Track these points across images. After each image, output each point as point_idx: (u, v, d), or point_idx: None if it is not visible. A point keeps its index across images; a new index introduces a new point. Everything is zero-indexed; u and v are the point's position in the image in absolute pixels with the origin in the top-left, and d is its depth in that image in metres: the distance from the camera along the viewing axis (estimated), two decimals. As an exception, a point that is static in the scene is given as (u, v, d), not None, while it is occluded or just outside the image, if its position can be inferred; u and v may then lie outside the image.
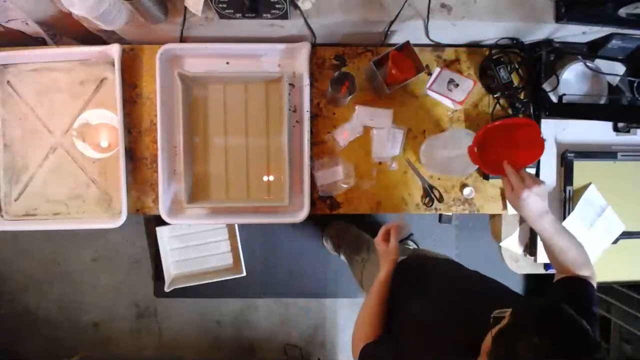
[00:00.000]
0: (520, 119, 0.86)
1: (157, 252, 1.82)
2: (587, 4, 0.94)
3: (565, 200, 1.11)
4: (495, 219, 1.24)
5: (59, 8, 0.96)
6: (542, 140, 0.81)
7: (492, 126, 0.82)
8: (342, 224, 1.85)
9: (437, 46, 1.11)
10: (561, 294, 0.79)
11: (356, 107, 1.10)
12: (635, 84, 1.09)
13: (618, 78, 1.09)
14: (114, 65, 1.04)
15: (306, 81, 1.06)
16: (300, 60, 1.08)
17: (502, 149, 0.83)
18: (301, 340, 2.08)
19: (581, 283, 0.78)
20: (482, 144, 0.84)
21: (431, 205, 1.12)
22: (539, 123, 1.10)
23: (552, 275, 1.16)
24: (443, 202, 1.12)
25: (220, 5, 0.90)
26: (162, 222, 1.50)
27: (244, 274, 1.81)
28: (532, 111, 1.10)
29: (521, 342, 0.53)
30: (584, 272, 0.80)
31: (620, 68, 1.09)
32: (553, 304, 0.58)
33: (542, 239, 0.82)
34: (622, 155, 1.12)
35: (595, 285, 0.79)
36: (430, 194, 1.09)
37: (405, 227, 0.98)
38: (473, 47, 1.13)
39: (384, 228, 0.99)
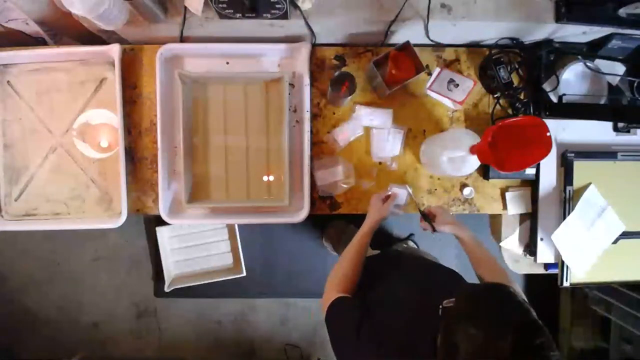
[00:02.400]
0: (530, 119, 0.86)
1: (157, 252, 1.81)
2: (587, 4, 0.94)
3: (565, 200, 1.11)
4: (495, 219, 1.24)
5: (59, 8, 0.96)
6: (550, 139, 0.81)
7: (504, 125, 0.82)
8: (342, 223, 1.85)
9: (437, 46, 1.11)
10: None
11: (356, 107, 1.10)
12: (635, 84, 1.09)
13: (618, 78, 1.09)
14: (114, 65, 1.04)
15: (306, 81, 1.06)
16: (300, 60, 1.08)
17: (510, 147, 0.83)
18: (301, 340, 2.08)
19: None
20: (491, 143, 0.84)
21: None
22: (539, 123, 1.10)
23: (553, 275, 1.17)
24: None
25: (220, 5, 0.90)
26: (162, 222, 1.50)
27: (244, 274, 1.81)
28: (532, 111, 1.10)
29: (459, 333, 0.54)
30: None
31: (620, 68, 1.09)
32: (492, 286, 0.59)
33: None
34: (622, 155, 1.12)
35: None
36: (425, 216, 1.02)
37: (401, 205, 1.00)
38: (473, 47, 1.13)
39: (387, 193, 1.01)
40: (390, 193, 1.00)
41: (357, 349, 0.72)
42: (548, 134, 0.82)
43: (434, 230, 0.94)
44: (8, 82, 1.10)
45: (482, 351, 0.50)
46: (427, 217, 0.96)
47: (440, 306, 0.61)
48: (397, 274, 0.90)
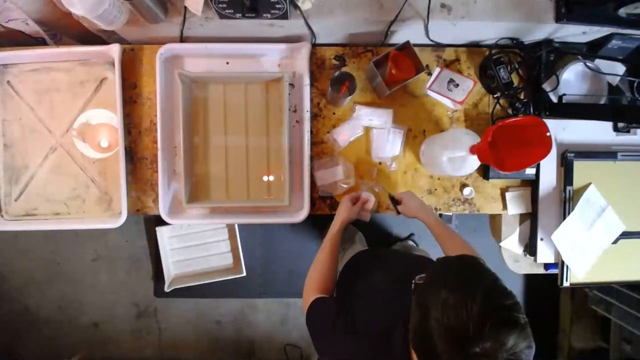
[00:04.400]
0: (530, 119, 0.87)
1: (157, 252, 1.82)
2: (587, 4, 0.94)
3: (565, 200, 1.11)
4: (495, 219, 1.24)
5: (59, 8, 0.96)
6: (550, 139, 0.81)
7: (503, 125, 0.82)
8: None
9: (437, 46, 1.11)
10: None
11: (356, 107, 1.10)
12: (635, 84, 1.09)
13: (618, 78, 1.09)
14: (114, 65, 1.04)
15: (306, 81, 1.06)
16: (300, 60, 1.08)
17: (510, 147, 0.83)
18: (301, 340, 2.08)
19: None
20: (491, 143, 0.84)
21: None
22: (539, 123, 1.10)
23: (553, 275, 1.17)
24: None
25: (220, 5, 0.90)
26: (162, 222, 1.50)
27: (244, 274, 1.81)
28: (532, 111, 1.10)
29: (430, 297, 0.55)
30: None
31: (620, 68, 1.09)
32: (462, 256, 0.61)
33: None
34: (622, 155, 1.12)
35: None
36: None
37: (368, 209, 1.02)
38: (473, 47, 1.13)
39: (359, 195, 1.03)
40: (362, 195, 1.02)
41: (335, 343, 0.74)
42: (548, 134, 0.82)
43: (398, 213, 1.00)
44: (8, 82, 1.10)
45: (453, 312, 0.51)
46: (394, 201, 1.00)
47: (413, 282, 0.62)
48: (379, 268, 0.92)
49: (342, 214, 0.98)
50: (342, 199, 1.01)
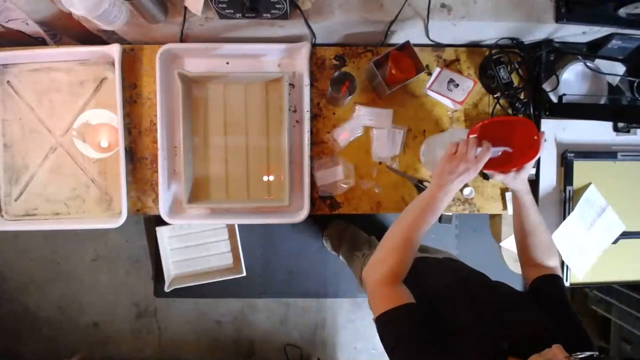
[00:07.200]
0: (516, 117, 0.87)
1: (157, 252, 1.82)
2: (587, 4, 0.94)
3: (565, 200, 1.11)
4: (495, 219, 1.24)
5: (59, 8, 0.96)
6: (538, 140, 0.80)
7: (489, 122, 0.82)
8: (342, 223, 1.85)
9: (437, 46, 1.11)
10: (549, 298, 0.77)
11: (356, 107, 1.10)
12: (635, 84, 1.09)
13: (618, 78, 1.09)
14: (114, 65, 1.04)
15: (306, 81, 1.06)
16: (300, 60, 1.08)
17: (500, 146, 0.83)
18: (301, 340, 2.08)
19: (556, 281, 0.80)
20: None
21: None
22: (538, 123, 1.10)
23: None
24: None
25: (220, 5, 0.90)
26: (162, 222, 1.50)
27: (244, 274, 1.81)
28: (532, 111, 1.10)
29: None
30: (553, 262, 0.83)
31: (620, 68, 1.09)
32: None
33: (521, 212, 0.85)
34: (622, 155, 1.12)
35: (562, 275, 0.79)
36: (421, 188, 1.09)
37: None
38: (473, 47, 1.13)
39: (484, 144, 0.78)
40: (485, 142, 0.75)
41: None
42: (535, 135, 0.81)
43: (485, 177, 0.83)
44: (8, 82, 1.10)
45: None
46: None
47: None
48: (454, 298, 0.79)
49: (446, 181, 0.75)
50: (460, 149, 0.75)
